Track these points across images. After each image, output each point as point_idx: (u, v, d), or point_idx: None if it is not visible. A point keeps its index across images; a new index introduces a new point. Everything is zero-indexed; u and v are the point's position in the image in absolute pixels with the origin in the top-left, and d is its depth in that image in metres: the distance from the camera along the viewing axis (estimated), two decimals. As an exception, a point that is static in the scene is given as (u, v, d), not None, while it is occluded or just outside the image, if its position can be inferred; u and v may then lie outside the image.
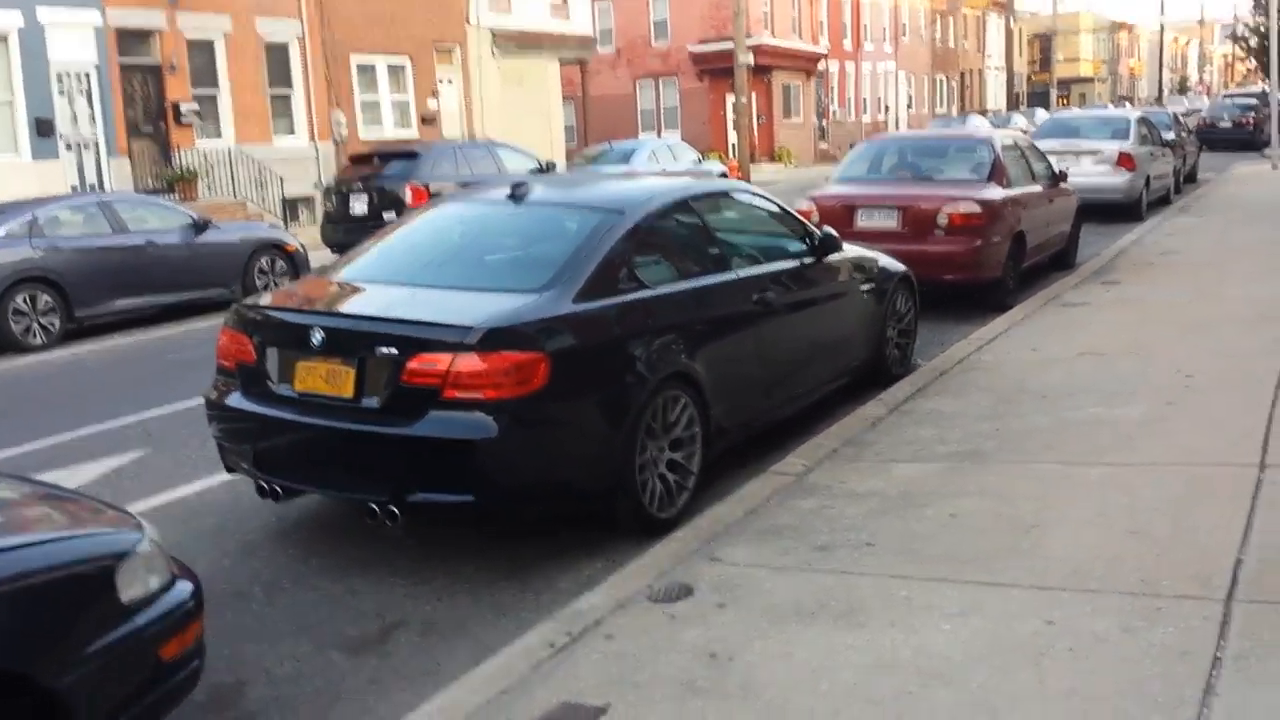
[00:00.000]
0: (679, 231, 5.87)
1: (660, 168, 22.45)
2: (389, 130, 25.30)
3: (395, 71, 25.80)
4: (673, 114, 42.30)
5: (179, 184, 19.94)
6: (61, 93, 19.04)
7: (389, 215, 16.09)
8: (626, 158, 22.31)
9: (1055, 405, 6.39)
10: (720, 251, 5.94)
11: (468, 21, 27.48)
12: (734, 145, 37.87)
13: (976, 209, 9.59)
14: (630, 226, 5.35)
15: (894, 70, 53.86)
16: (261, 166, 21.16)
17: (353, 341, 4.67)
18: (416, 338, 4.53)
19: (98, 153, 19.67)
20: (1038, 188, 11.10)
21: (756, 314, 5.93)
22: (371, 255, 5.68)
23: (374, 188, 16.64)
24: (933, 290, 9.83)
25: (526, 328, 4.60)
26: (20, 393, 9.63)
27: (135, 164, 20.26)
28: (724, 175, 24.87)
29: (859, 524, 4.76)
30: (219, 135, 21.75)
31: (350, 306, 5.11)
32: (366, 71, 25.08)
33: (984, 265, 9.74)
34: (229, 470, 5.27)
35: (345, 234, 16.73)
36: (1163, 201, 18.26)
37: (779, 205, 6.80)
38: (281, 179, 21.38)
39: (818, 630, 3.79)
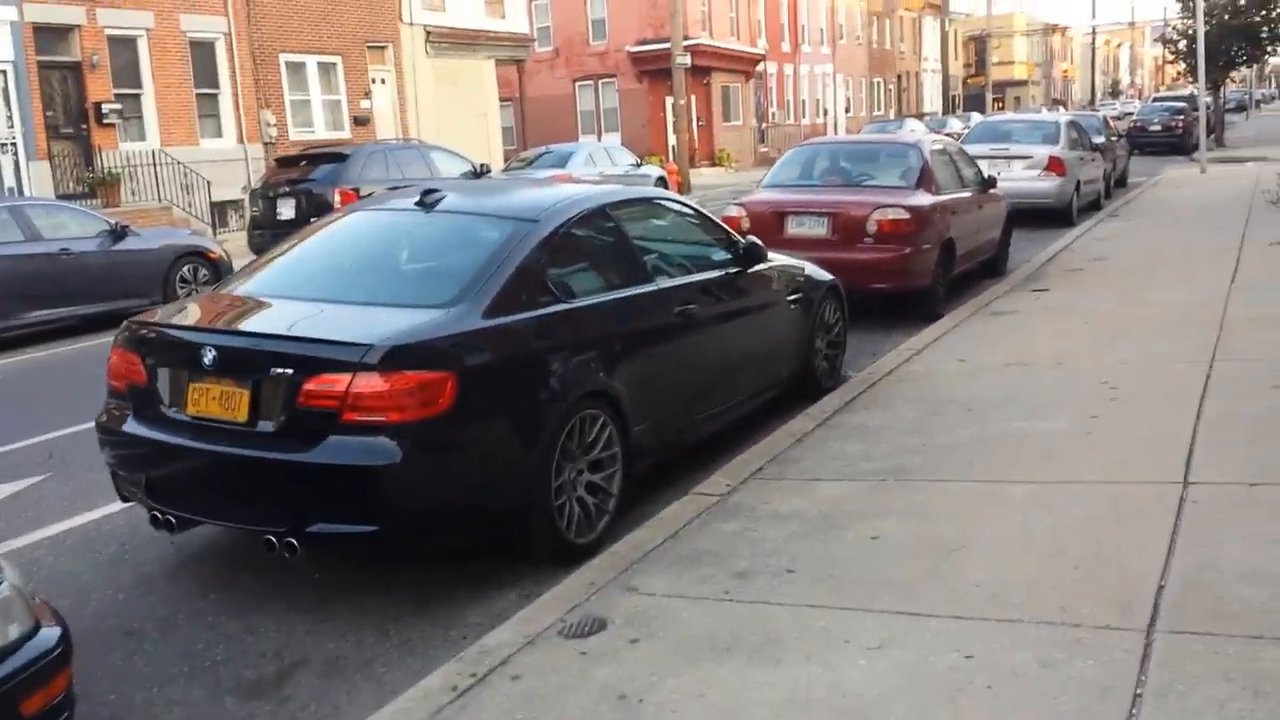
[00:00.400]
0: (597, 241, 5.71)
1: (598, 171, 22.29)
2: (321, 131, 24.87)
3: (326, 70, 25.38)
4: (612, 115, 42.12)
5: (101, 188, 19.37)
6: (-25, 93, 18.43)
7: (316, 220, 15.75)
8: (563, 161, 22.09)
9: (981, 418, 6.32)
10: (641, 262, 5.79)
11: (401, 19, 27.10)
12: (674, 148, 37.94)
13: (905, 215, 9.55)
14: (544, 236, 5.17)
15: (832, 73, 54.21)
16: (188, 169, 20.65)
17: (246, 361, 4.45)
18: (313, 357, 4.31)
19: (16, 155, 19.05)
20: (967, 193, 11.10)
21: (679, 327, 5.78)
22: (274, 267, 5.45)
23: (301, 191, 16.29)
24: (865, 299, 9.80)
25: (431, 345, 4.41)
26: (-80, 409, 9.20)
27: (56, 167, 19.68)
28: (662, 179, 24.82)
29: (780, 548, 4.63)
30: (143, 137, 21.20)
31: (245, 323, 4.86)
32: (297, 70, 24.63)
33: (913, 273, 9.70)
34: (123, 499, 5.01)
35: (272, 240, 16.32)
36: (1094, 206, 18.46)
37: (703, 213, 6.67)
38: (209, 182, 20.89)
39: (732, 666, 3.64)
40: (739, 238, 6.70)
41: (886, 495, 5.20)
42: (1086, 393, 6.66)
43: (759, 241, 6.73)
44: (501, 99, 35.87)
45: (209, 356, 4.48)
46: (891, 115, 57.12)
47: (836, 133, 52.01)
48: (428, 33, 27.77)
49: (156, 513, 4.69)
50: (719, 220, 6.72)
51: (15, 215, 12.22)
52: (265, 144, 23.28)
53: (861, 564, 4.38)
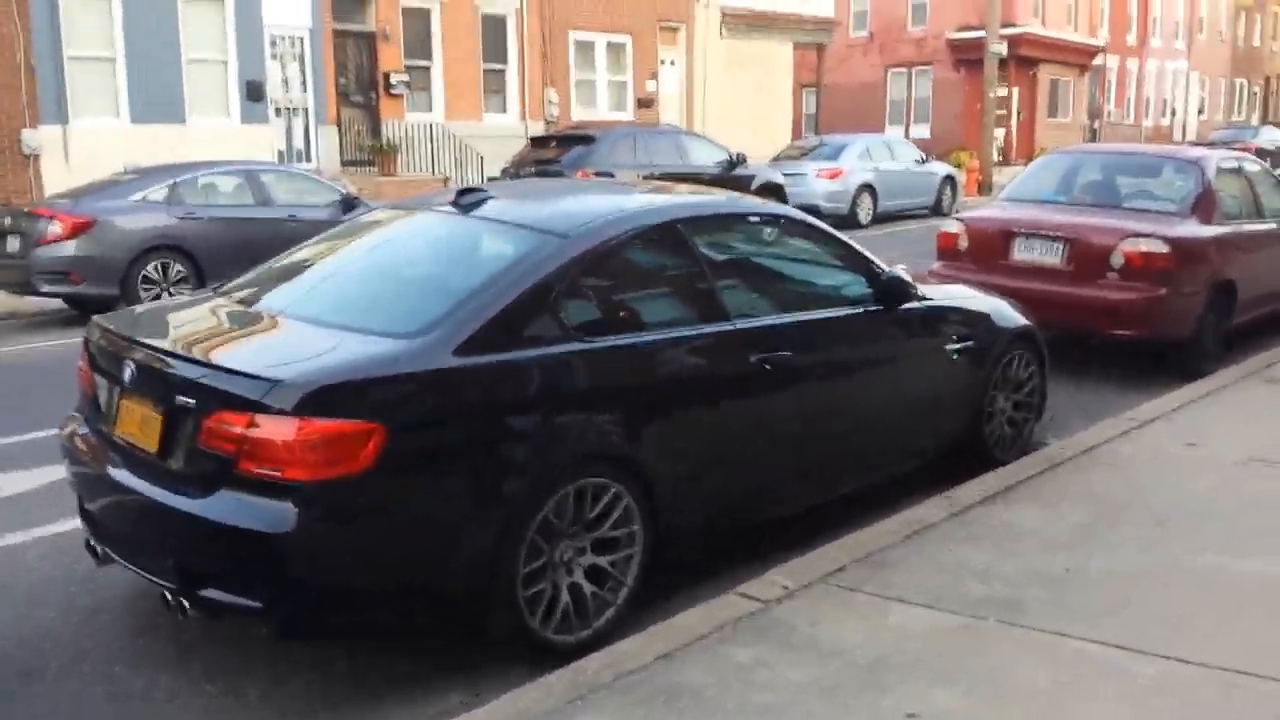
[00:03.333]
0: (653, 266, 4.64)
1: (872, 166, 20.71)
2: (603, 111, 24.71)
3: (615, 50, 25.16)
4: (924, 105, 39.75)
5: (379, 157, 20.02)
6: (274, 56, 19.45)
7: (557, 201, 15.40)
8: (837, 154, 20.67)
9: (1166, 539, 4.71)
10: (714, 294, 4.62)
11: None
12: (993, 140, 35.32)
13: (1163, 249, 7.69)
14: (569, 258, 4.17)
15: (1185, 70, 48.69)
16: (462, 143, 20.98)
17: (159, 383, 3.78)
18: (215, 389, 3.57)
19: (307, 119, 20.02)
20: (1268, 226, 8.93)
21: (760, 379, 4.61)
22: (282, 269, 4.80)
23: (545, 173, 15.95)
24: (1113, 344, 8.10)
25: (357, 387, 3.54)
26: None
27: (343, 133, 20.51)
28: (950, 179, 22.81)
29: (783, 704, 3.43)
30: (429, 108, 21.76)
31: (171, 336, 4.17)
32: (584, 49, 24.56)
33: (1168, 320, 7.83)
34: (82, 515, 4.51)
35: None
36: None
37: (834, 236, 5.38)
38: (482, 157, 21.12)
39: None
40: (881, 268, 5.37)
41: (971, 644, 3.83)
42: (1336, 521, 4.86)
43: (904, 274, 5.36)
44: (806, 84, 34.71)
45: (128, 371, 3.87)
46: (1254, 121, 50.68)
47: (1184, 137, 46.77)
48: (724, 14, 27.00)
49: (89, 538, 4.15)
50: (855, 245, 5.41)
51: (249, 179, 12.52)
52: (547, 122, 23.35)
53: (866, 759, 3.12)
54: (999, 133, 38.09)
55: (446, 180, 20.64)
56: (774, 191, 18.04)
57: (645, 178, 16.10)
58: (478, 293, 3.97)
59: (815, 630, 3.95)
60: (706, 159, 17.37)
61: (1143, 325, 7.79)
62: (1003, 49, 28.60)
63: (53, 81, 16.53)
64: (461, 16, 22.02)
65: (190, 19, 18.20)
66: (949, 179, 22.78)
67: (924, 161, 22.50)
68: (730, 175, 17.45)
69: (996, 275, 8.28)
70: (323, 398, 3.45)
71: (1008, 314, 6.22)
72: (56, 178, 15.97)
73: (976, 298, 6.18)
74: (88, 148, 16.57)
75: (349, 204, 13.08)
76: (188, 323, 4.34)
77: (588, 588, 4.06)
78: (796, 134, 32.28)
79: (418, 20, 21.45)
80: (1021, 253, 8.26)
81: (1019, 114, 38.03)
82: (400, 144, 20.52)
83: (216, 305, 4.44)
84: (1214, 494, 5.30)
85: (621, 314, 4.37)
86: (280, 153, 19.51)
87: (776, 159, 21.51)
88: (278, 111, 19.57)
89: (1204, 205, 8.24)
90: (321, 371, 3.54)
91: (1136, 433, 6.42)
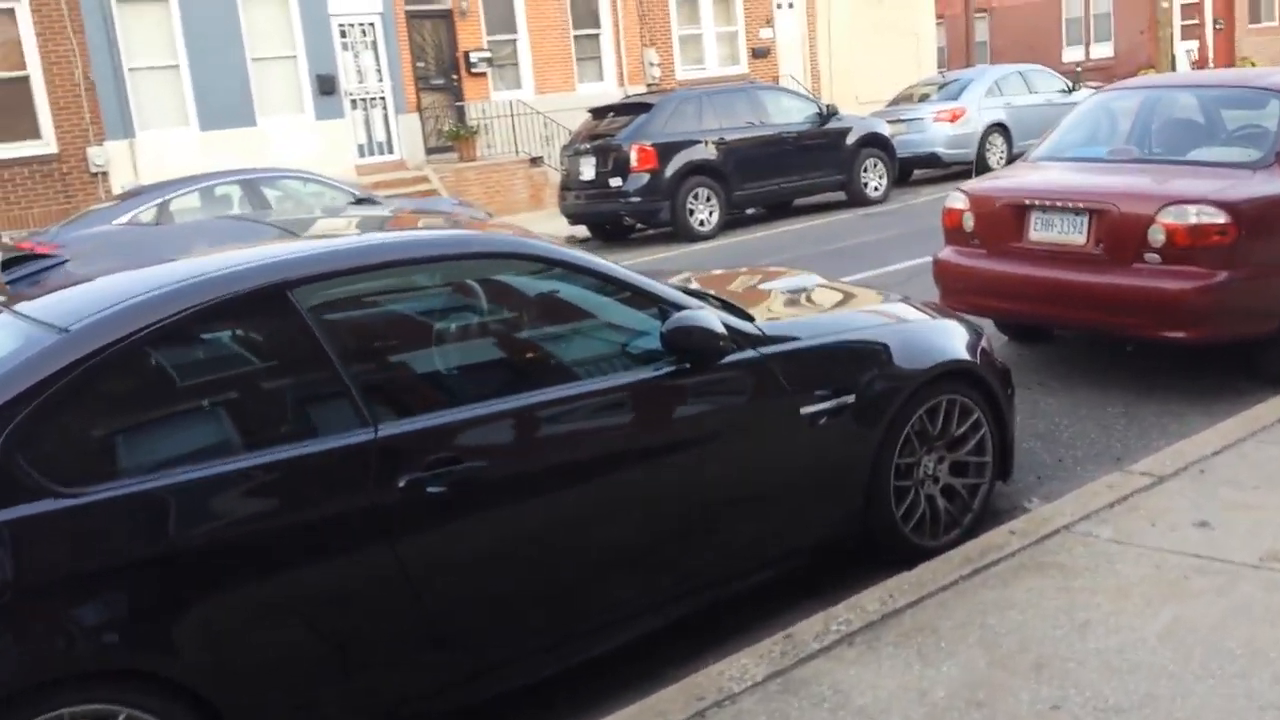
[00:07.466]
0: (224, 359, 3.26)
1: (1004, 102, 18.21)
2: (712, 68, 23.00)
3: (722, -2, 23.32)
4: (1104, 23, 35.74)
5: (457, 142, 19.08)
6: (345, 46, 18.74)
7: (615, 182, 14.10)
8: (959, 92, 18.27)
9: (1043, 745, 2.99)
10: (342, 390, 3.18)
11: (820, -65, 24.24)
12: (1187, 54, 31.22)
13: (1218, 219, 5.62)
14: (53, 369, 2.87)
15: None
16: (548, 120, 19.76)
17: None
18: None
19: (385, 109, 19.30)
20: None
21: (421, 510, 3.18)
22: None
23: (600, 148, 14.58)
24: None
25: None
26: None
27: (425, 120, 19.69)
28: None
29: None
30: (518, 84, 20.66)
31: None
32: (687, 2, 22.83)
33: (1235, 316, 5.77)
34: None
35: (577, 204, 14.96)
36: None
37: (592, 269, 3.75)
38: (569, 132, 19.86)
39: None
40: (680, 302, 3.76)
41: None
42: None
43: (699, 321, 3.72)
44: (979, 11, 31.54)
45: None
46: None
47: None
48: (848, -56, 24.65)
49: None
50: (637, 281, 3.80)
51: (249, 190, 11.74)
52: (648, 86, 21.85)
53: None
54: (1192, 45, 33.89)
55: (534, 160, 19.55)
56: (877, 144, 16.03)
57: (715, 144, 14.56)
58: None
59: None
60: (792, 115, 15.52)
61: (1196, 324, 5.75)
62: (1177, -50, 24.93)
63: (114, 96, 16.33)
64: (547, -18, 20.74)
65: (253, 16, 17.66)
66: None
67: (1071, 90, 19.68)
68: (821, 130, 15.58)
69: (1009, 262, 6.45)
70: None
71: (929, 345, 4.49)
72: (126, 193, 15.77)
73: (877, 325, 4.47)
74: (157, 159, 16.30)
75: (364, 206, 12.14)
76: None
77: None
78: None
79: (499, -9, 20.33)
80: (1039, 230, 6.31)
81: (1216, 23, 33.62)
82: (485, 126, 19.51)
83: None
84: (1172, 635, 3.46)
85: (151, 443, 3.01)
86: (361, 147, 18.92)
87: (893, 103, 19.27)
88: (354, 104, 18.89)
89: (1292, 152, 6.05)
90: None
91: (1139, 498, 4.53)
